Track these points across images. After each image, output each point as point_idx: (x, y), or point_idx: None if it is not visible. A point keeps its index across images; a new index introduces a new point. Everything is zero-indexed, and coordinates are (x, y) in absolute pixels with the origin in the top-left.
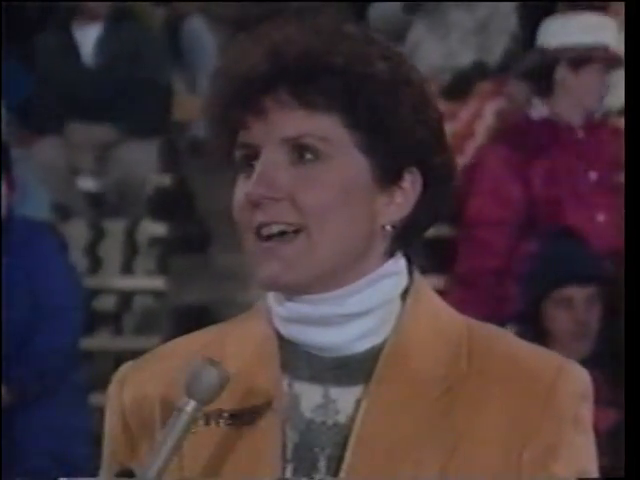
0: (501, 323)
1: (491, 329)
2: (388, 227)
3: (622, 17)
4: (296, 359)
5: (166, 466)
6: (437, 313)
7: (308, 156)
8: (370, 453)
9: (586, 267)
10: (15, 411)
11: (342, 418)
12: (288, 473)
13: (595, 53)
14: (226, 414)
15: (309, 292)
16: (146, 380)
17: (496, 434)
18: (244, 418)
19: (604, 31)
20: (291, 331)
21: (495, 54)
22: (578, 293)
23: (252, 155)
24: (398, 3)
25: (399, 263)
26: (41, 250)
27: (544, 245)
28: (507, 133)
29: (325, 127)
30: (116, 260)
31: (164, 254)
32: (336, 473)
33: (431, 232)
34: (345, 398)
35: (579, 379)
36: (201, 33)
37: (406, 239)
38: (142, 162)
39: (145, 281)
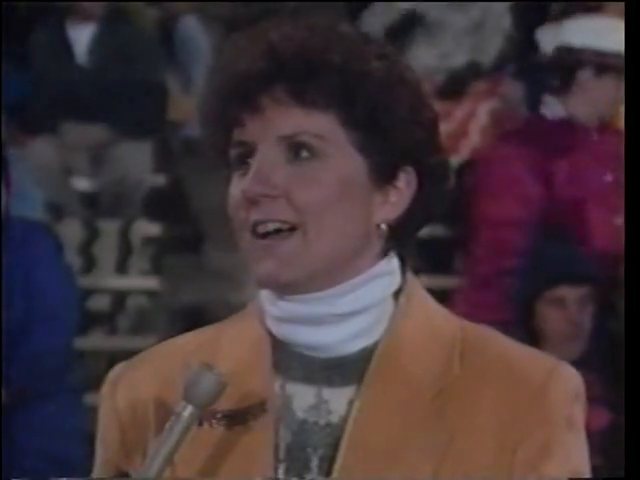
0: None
1: (484, 330)
2: (383, 226)
3: (617, 18)
4: (289, 360)
5: (163, 470)
6: (430, 314)
7: (304, 154)
8: (362, 454)
9: (578, 267)
10: (10, 411)
11: (335, 418)
12: (280, 473)
13: (620, 61)
14: (219, 415)
15: (305, 290)
16: (140, 380)
17: (489, 435)
18: (237, 419)
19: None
20: (283, 331)
21: (489, 54)
22: (570, 293)
23: (248, 153)
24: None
25: (392, 263)
26: (37, 250)
27: (536, 245)
28: (524, 132)
29: (321, 125)
30: (110, 260)
31: (158, 254)
32: (328, 473)
33: (425, 232)
34: (338, 399)
35: (571, 380)
36: (195, 33)
37: (400, 239)
38: (136, 162)
39: (139, 281)
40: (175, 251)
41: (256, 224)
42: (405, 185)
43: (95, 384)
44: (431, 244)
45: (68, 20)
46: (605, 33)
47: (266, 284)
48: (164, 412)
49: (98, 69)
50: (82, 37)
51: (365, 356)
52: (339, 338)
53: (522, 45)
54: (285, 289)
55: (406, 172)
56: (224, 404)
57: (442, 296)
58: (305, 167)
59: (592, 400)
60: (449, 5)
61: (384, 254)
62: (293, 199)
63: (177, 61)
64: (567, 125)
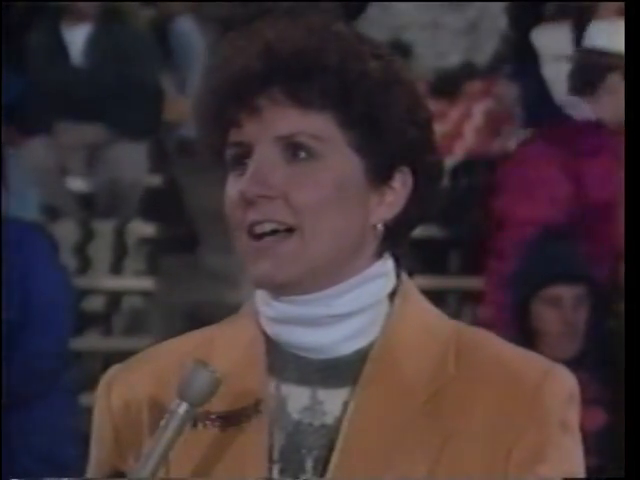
0: None
1: (479, 332)
2: (379, 226)
3: (611, 20)
4: (284, 361)
5: (158, 468)
6: (425, 315)
7: (302, 155)
8: (357, 455)
9: (574, 266)
10: (5, 412)
11: (329, 420)
12: (275, 474)
13: None
14: (213, 416)
15: (301, 291)
16: (135, 381)
17: (483, 436)
18: (231, 420)
19: None
20: (278, 332)
21: (485, 54)
22: (566, 292)
23: (244, 153)
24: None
25: (387, 264)
26: (32, 251)
27: (532, 244)
28: (553, 133)
29: (319, 126)
30: (105, 260)
31: (153, 254)
32: (323, 474)
33: (419, 232)
34: (332, 400)
35: (566, 382)
36: (190, 33)
37: (395, 239)
38: (131, 162)
39: (134, 281)
40: (170, 251)
41: (253, 224)
42: (401, 185)
43: (90, 384)
44: (425, 244)
45: (63, 21)
46: None
47: (262, 284)
48: (159, 413)
49: (93, 69)
50: (77, 38)
51: (360, 357)
52: (334, 339)
53: (518, 45)
54: (281, 289)
55: (402, 172)
56: (219, 405)
57: (437, 296)
58: (302, 168)
59: (587, 401)
60: (445, 5)
61: (379, 255)
62: (290, 200)
63: (172, 61)
64: (595, 127)
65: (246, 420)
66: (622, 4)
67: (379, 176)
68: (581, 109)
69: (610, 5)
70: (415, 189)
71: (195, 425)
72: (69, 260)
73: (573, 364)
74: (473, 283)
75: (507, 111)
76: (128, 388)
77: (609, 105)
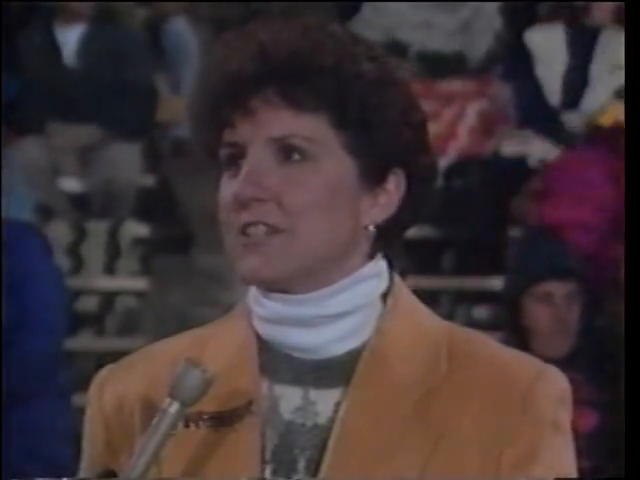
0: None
1: (471, 333)
2: (371, 228)
3: (606, 21)
4: (276, 361)
5: (149, 467)
6: (417, 316)
7: (295, 157)
8: (349, 455)
9: (566, 262)
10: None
11: (322, 420)
12: (267, 474)
13: None
14: (206, 416)
15: (290, 289)
16: (127, 382)
17: (475, 437)
18: (224, 420)
19: None
20: (271, 332)
21: (479, 54)
22: (558, 289)
23: (238, 154)
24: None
25: (380, 265)
26: (26, 252)
27: (524, 241)
28: (601, 138)
29: (312, 127)
30: (99, 261)
31: (147, 255)
32: (315, 474)
33: (412, 233)
34: (325, 400)
35: (558, 383)
36: (184, 34)
37: (387, 240)
38: (125, 163)
39: (128, 282)
40: (164, 252)
41: (246, 226)
42: (394, 187)
43: (83, 385)
44: (419, 245)
45: (57, 21)
46: None
47: (250, 280)
48: (151, 413)
49: (87, 70)
50: (71, 38)
51: (352, 358)
52: (326, 339)
53: (511, 46)
54: (268, 285)
55: (396, 174)
56: (211, 405)
57: (430, 297)
58: (296, 170)
59: (580, 402)
60: (437, 5)
61: (372, 255)
62: (283, 202)
63: (166, 62)
64: None
65: (238, 420)
66: (615, 5)
67: (373, 178)
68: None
69: (604, 5)
70: (409, 190)
71: (187, 425)
72: (62, 260)
73: (565, 364)
74: (467, 283)
75: (501, 111)
76: (120, 388)
77: None
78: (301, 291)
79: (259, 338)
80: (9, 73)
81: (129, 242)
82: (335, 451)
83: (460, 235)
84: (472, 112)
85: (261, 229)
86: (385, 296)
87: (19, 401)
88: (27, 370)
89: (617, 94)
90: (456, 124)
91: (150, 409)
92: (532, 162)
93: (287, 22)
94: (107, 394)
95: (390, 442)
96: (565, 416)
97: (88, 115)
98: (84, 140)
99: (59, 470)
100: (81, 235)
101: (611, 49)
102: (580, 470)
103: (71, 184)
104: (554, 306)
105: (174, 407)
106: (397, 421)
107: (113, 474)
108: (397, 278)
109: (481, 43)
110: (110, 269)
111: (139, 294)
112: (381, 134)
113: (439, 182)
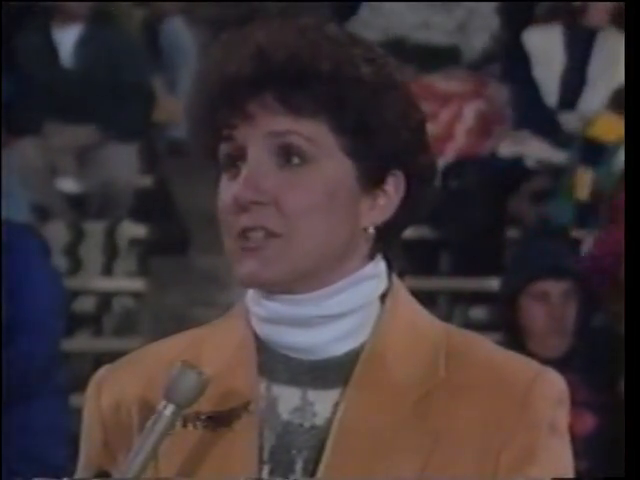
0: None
1: (469, 335)
2: (370, 229)
3: (603, 22)
4: (274, 362)
5: (144, 469)
6: (416, 317)
7: (295, 160)
8: (347, 456)
9: (562, 261)
10: None
11: (320, 421)
12: (265, 475)
13: None
14: (203, 416)
15: (289, 291)
16: (124, 383)
17: (473, 438)
18: (221, 420)
19: None
20: (269, 332)
21: (476, 54)
22: (554, 288)
23: (237, 155)
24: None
25: (379, 266)
26: (24, 253)
27: (521, 240)
28: None
29: (311, 131)
30: (96, 261)
31: (144, 255)
32: (313, 475)
33: (411, 233)
34: (323, 401)
35: (555, 385)
36: (181, 34)
37: (387, 241)
38: (122, 163)
39: (125, 282)
40: (161, 252)
41: (245, 230)
42: (394, 189)
43: (80, 385)
44: (416, 245)
45: (53, 21)
46: None
47: (248, 283)
48: (149, 413)
49: (83, 70)
50: (67, 38)
51: (351, 358)
52: (325, 340)
53: (509, 46)
54: (267, 288)
55: (395, 176)
56: (209, 405)
57: (428, 297)
58: (295, 173)
59: (577, 404)
60: (435, 5)
61: (371, 256)
62: (282, 206)
63: (163, 62)
64: None
65: (236, 420)
66: (612, 6)
67: (372, 180)
68: None
69: (600, 6)
70: (408, 192)
71: (185, 425)
72: (60, 261)
73: (562, 365)
74: (464, 284)
75: (498, 112)
76: (118, 389)
77: None
78: (300, 292)
79: (257, 338)
80: (6, 73)
81: (126, 243)
82: (333, 452)
83: (457, 236)
84: (469, 113)
85: (260, 233)
86: (384, 297)
87: (17, 401)
88: (25, 371)
89: (610, 102)
90: (453, 125)
91: (147, 409)
92: (529, 163)
93: (285, 23)
94: (104, 394)
95: (388, 443)
96: (562, 418)
97: (85, 116)
98: (81, 141)
99: (55, 471)
100: (78, 236)
101: (608, 50)
102: (577, 472)
103: (68, 185)
104: (550, 305)
105: (169, 409)
106: (395, 422)
107: (107, 476)
108: (396, 279)
109: (478, 43)
110: (107, 270)
111: (136, 295)
112: (380, 137)
113: (436, 182)
